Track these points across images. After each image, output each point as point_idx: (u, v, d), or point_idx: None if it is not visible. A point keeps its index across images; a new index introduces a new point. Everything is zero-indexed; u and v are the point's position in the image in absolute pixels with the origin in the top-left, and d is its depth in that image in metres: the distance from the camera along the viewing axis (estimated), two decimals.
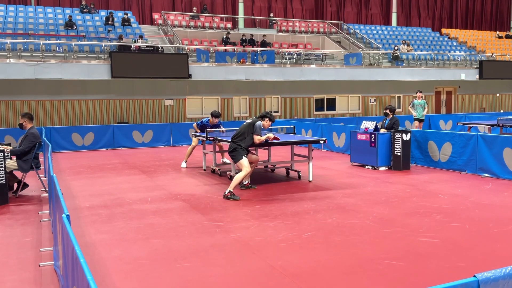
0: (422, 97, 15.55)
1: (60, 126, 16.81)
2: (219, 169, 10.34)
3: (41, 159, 9.66)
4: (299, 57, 22.58)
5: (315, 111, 22.99)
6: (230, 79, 20.18)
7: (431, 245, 5.21)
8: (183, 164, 11.54)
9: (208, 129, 10.72)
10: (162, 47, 19.87)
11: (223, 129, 11.17)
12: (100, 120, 18.94)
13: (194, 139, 11.44)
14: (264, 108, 21.64)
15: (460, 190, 8.22)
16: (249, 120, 8.38)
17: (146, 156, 13.87)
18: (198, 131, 11.43)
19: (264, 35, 23.64)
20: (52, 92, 18.20)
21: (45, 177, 8.94)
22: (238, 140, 8.11)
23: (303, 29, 26.64)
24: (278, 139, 8.69)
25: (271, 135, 8.57)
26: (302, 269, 4.55)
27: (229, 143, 8.39)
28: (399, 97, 24.85)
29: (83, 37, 19.86)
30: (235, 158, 8.05)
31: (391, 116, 11.09)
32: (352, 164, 11.39)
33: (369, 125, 10.93)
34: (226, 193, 7.78)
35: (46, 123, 18.11)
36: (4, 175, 7.50)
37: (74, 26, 20.50)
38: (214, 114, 11.18)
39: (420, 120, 15.56)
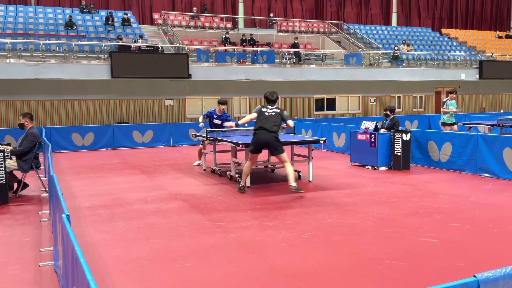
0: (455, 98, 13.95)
1: (60, 126, 16.81)
2: (219, 169, 10.34)
3: (41, 159, 9.66)
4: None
5: (315, 111, 22.98)
6: (230, 79, 20.17)
7: (431, 245, 5.21)
8: (196, 162, 11.79)
9: (215, 120, 10.86)
10: (162, 47, 19.86)
11: (232, 124, 10.21)
12: (100, 120, 18.94)
13: (201, 145, 11.17)
14: None
15: (460, 190, 8.21)
16: (272, 113, 8.14)
17: (146, 156, 13.87)
18: (202, 125, 11.02)
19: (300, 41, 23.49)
20: (52, 92, 18.20)
21: (45, 177, 8.94)
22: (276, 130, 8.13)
23: (303, 29, 26.63)
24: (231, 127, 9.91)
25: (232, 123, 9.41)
26: (302, 269, 4.55)
27: (266, 134, 8.00)
28: (399, 97, 24.85)
29: (83, 37, 19.86)
30: (279, 149, 8.06)
31: (392, 116, 11.09)
32: (352, 164, 11.39)
33: (369, 125, 10.93)
34: (240, 185, 8.33)
35: (46, 123, 18.11)
36: (4, 175, 7.50)
37: (74, 26, 20.50)
38: (221, 101, 11.13)
39: (453, 123, 13.78)
